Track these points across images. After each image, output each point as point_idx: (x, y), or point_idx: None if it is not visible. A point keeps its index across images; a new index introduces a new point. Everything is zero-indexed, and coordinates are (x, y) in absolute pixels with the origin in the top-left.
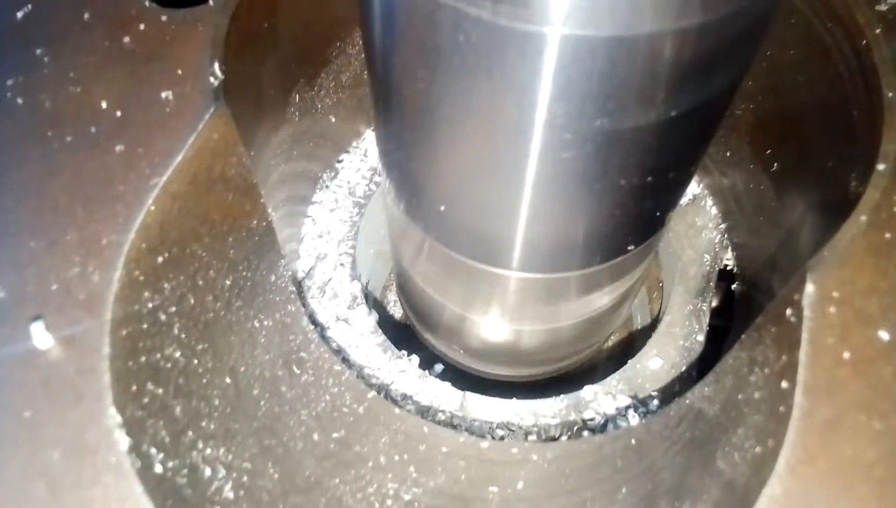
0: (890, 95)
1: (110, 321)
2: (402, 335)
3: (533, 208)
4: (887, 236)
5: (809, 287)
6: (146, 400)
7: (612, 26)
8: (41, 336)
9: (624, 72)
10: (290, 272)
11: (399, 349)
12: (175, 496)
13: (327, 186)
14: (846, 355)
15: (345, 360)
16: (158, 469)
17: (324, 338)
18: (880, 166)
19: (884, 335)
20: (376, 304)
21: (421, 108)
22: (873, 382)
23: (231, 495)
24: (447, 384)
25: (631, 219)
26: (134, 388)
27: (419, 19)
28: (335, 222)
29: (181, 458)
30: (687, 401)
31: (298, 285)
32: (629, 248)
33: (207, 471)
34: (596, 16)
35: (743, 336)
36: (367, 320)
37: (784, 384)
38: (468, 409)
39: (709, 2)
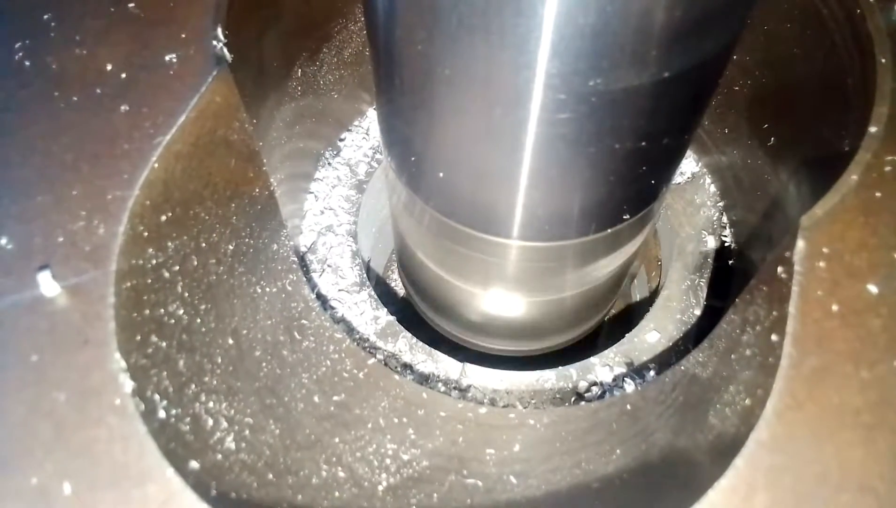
0: (882, 60)
1: (115, 272)
2: (403, 312)
3: (529, 173)
4: (877, 194)
5: (800, 243)
6: (150, 351)
7: None
8: (48, 285)
9: (616, 28)
10: (291, 243)
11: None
12: (178, 440)
13: (329, 164)
14: (835, 307)
15: (347, 331)
16: (161, 414)
17: (325, 308)
18: (872, 129)
19: (872, 288)
20: (378, 281)
21: (418, 70)
22: (861, 333)
23: (233, 446)
24: (446, 356)
25: (627, 186)
26: (138, 338)
27: None
28: (337, 199)
29: (184, 407)
30: (682, 367)
31: (301, 259)
32: (625, 217)
33: (210, 422)
34: None
35: (737, 300)
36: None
37: (774, 338)
38: (468, 380)
39: None
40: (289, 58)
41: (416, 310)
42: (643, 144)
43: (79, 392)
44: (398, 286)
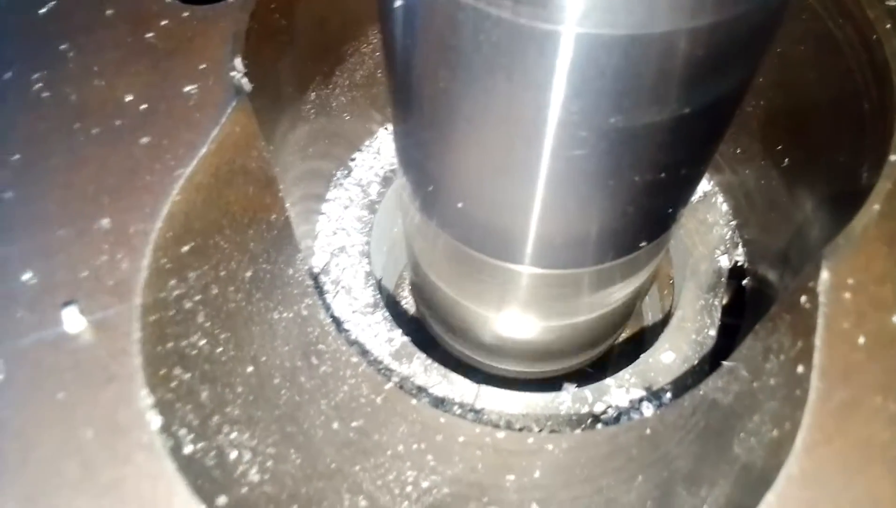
0: None
1: (140, 307)
2: (415, 331)
3: (547, 205)
4: None
5: (824, 274)
6: (174, 384)
7: (628, 25)
8: (73, 321)
9: (638, 70)
10: (306, 267)
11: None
12: (205, 475)
13: (341, 184)
14: (861, 339)
15: (362, 353)
16: (188, 449)
17: (340, 331)
18: (893, 157)
19: None
20: (389, 300)
21: (440, 106)
22: (888, 365)
23: (257, 478)
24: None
25: (643, 215)
26: (163, 372)
27: (440, 20)
28: (349, 220)
29: (209, 440)
30: (701, 392)
31: (314, 280)
32: (641, 244)
33: (234, 454)
34: (611, 15)
35: (757, 327)
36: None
37: (800, 369)
38: (483, 402)
39: (721, 1)
40: (303, 82)
41: (428, 330)
42: (661, 175)
43: (106, 430)
44: (409, 305)
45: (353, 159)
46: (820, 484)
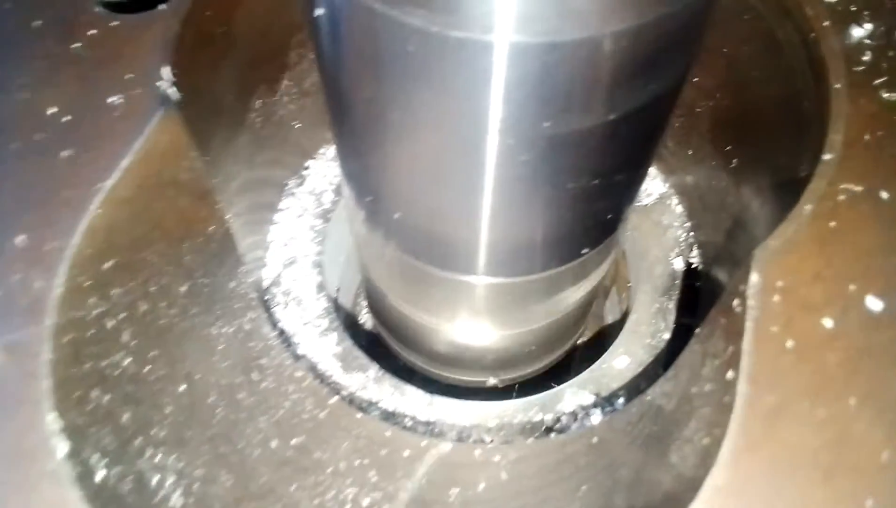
0: (837, 85)
1: (52, 327)
2: (371, 344)
3: (479, 213)
4: (832, 224)
5: (753, 277)
6: (90, 407)
7: (543, 33)
8: None
9: (559, 77)
10: (251, 279)
11: (369, 358)
12: (117, 503)
13: (293, 193)
14: (790, 343)
15: (310, 367)
16: (101, 475)
17: (287, 344)
18: (826, 156)
19: (828, 322)
20: (347, 314)
21: (366, 115)
22: (817, 369)
23: (180, 502)
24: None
25: (584, 221)
26: (77, 394)
27: (356, 28)
28: (302, 229)
29: (127, 465)
30: (648, 398)
31: (263, 292)
32: (583, 251)
33: (155, 478)
34: (526, 23)
35: (696, 330)
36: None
37: (730, 374)
38: (436, 412)
39: (641, 5)
40: (246, 90)
41: (384, 341)
42: (598, 180)
43: (13, 457)
44: (367, 318)
45: (306, 168)
46: (747, 493)
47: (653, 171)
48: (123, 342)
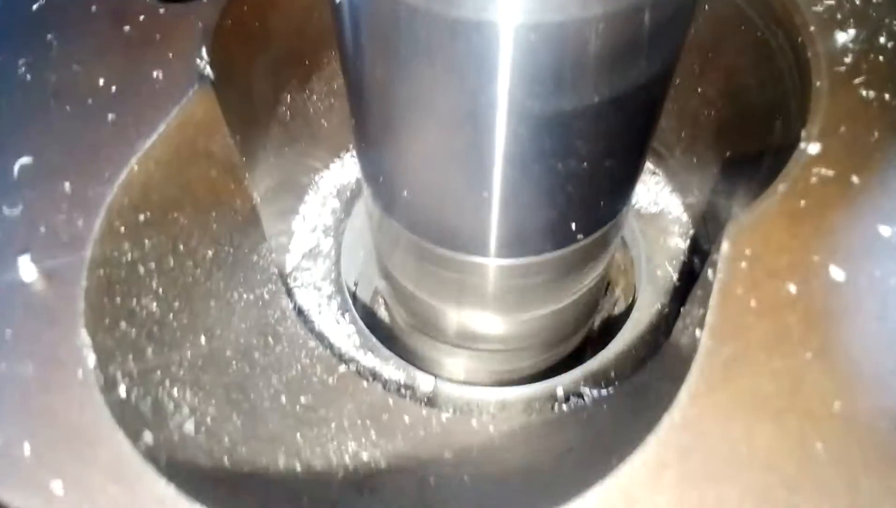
0: (818, 83)
1: (89, 260)
2: (387, 334)
3: (480, 192)
4: (802, 203)
5: (724, 246)
6: (117, 335)
7: (542, 12)
8: (27, 269)
9: (561, 55)
10: (273, 256)
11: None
12: (133, 414)
13: (318, 187)
14: (753, 303)
15: (323, 342)
16: (122, 391)
17: (304, 320)
18: (802, 145)
19: (791, 287)
20: (364, 306)
21: (377, 94)
22: (776, 326)
23: (192, 429)
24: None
25: (579, 205)
26: (107, 321)
27: (364, 10)
28: (325, 221)
29: (146, 389)
30: (639, 378)
31: (285, 278)
32: (578, 236)
33: (171, 406)
34: (514, 3)
35: (681, 309)
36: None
37: (697, 333)
38: (439, 392)
39: None
40: (278, 84)
41: (398, 331)
42: (597, 161)
43: (45, 364)
44: (384, 313)
45: (332, 163)
46: (700, 430)
47: (660, 179)
48: (152, 289)
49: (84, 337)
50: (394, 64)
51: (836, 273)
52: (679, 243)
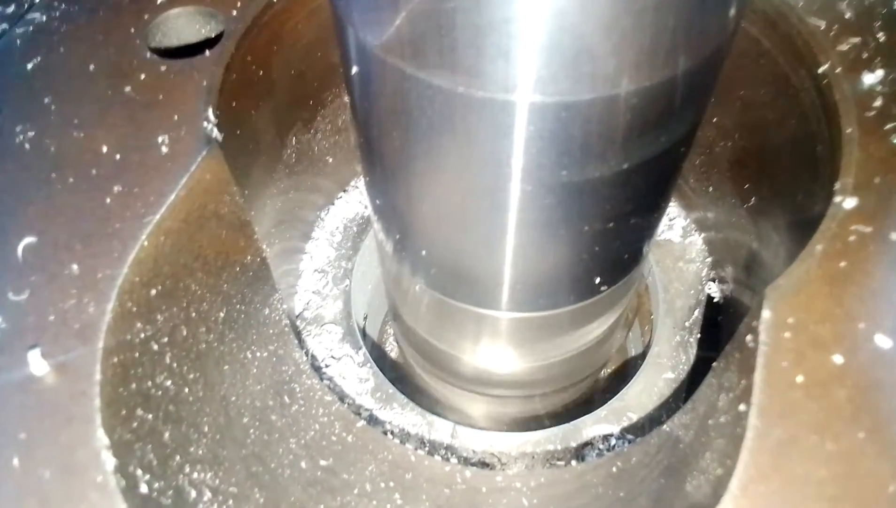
0: (848, 130)
1: (102, 350)
2: (397, 373)
3: (502, 253)
4: (842, 264)
5: (765, 313)
6: (135, 425)
7: (559, 93)
8: (37, 363)
9: (574, 131)
10: (284, 306)
11: (395, 386)
12: None
13: (325, 225)
14: (799, 378)
15: (337, 393)
16: (144, 489)
17: (316, 370)
18: (837, 198)
19: (837, 359)
20: (374, 343)
21: (396, 162)
22: (826, 404)
23: None
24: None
25: (601, 261)
26: (123, 413)
27: (388, 85)
28: (333, 259)
29: (167, 480)
30: (666, 429)
31: (295, 319)
32: (602, 289)
33: (193, 493)
34: (542, 84)
35: (713, 363)
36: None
37: (742, 407)
38: (458, 441)
39: (653, 66)
40: (282, 128)
41: (410, 370)
42: (616, 223)
43: (63, 469)
44: (393, 347)
45: (337, 199)
46: None
47: (675, 208)
48: (166, 365)
49: (101, 437)
50: (416, 138)
51: (883, 341)
52: (696, 272)
